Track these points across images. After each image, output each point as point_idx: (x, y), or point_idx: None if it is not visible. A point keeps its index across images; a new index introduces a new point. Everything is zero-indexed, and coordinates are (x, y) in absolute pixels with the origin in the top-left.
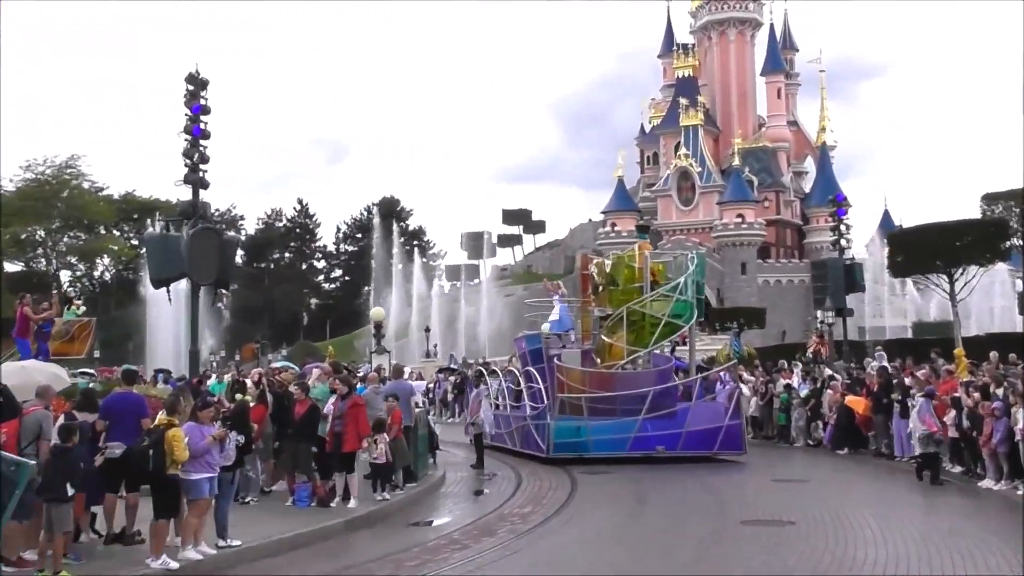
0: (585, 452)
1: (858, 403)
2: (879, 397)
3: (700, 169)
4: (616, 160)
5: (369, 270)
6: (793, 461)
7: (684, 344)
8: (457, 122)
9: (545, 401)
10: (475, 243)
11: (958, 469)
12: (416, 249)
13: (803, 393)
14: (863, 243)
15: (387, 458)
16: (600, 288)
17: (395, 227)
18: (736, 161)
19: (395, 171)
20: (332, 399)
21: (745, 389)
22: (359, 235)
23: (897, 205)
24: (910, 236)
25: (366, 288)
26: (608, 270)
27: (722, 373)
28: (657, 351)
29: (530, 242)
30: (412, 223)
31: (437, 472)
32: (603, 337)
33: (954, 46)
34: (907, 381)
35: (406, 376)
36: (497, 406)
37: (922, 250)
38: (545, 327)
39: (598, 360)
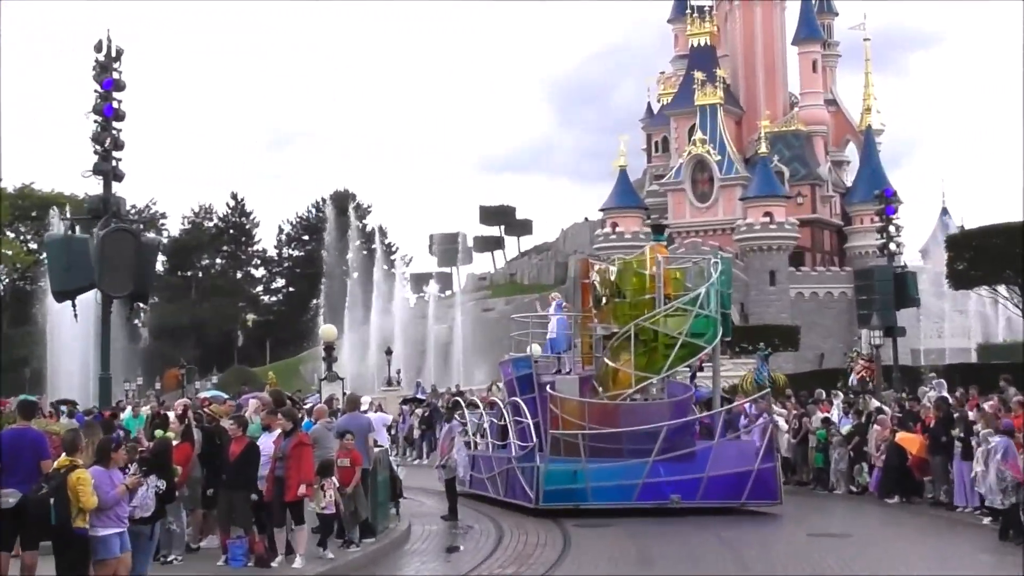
0: (582, 502)
1: (911, 441)
2: (937, 434)
3: (719, 158)
4: (617, 147)
5: (318, 279)
6: (832, 511)
7: (704, 370)
8: (426, 102)
9: (534, 439)
10: (447, 247)
11: None
12: (376, 254)
13: (845, 429)
14: (917, 248)
15: (337, 508)
16: (603, 300)
17: (350, 227)
18: (763, 148)
19: (350, 160)
20: (268, 436)
21: (782, 423)
22: (306, 237)
23: (958, 201)
24: (974, 239)
25: (314, 301)
26: (613, 278)
27: (747, 405)
28: (673, 378)
29: (513, 246)
30: (371, 222)
31: (401, 525)
32: (606, 361)
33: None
34: (971, 415)
35: (363, 408)
36: (475, 445)
37: (989, 256)
38: (536, 348)
39: (600, 389)
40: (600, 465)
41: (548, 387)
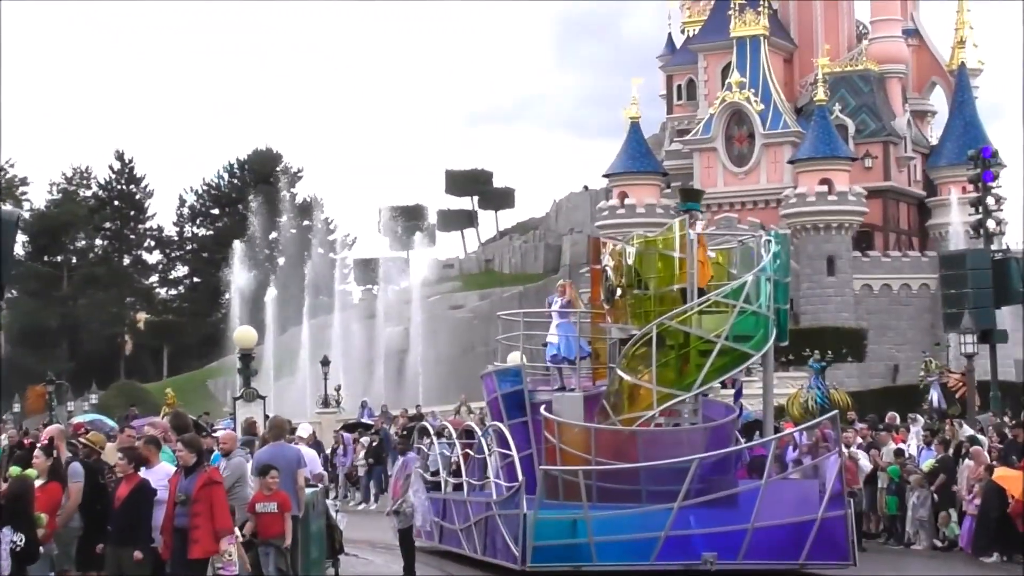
0: (584, 563)
1: (1015, 481)
2: None
3: (763, 107)
4: (628, 93)
5: (231, 266)
6: (910, 572)
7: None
8: (375, 35)
9: (519, 477)
10: (403, 224)
11: None
12: (309, 233)
13: (926, 465)
14: None
15: (242, 570)
16: (618, 292)
17: (275, 198)
18: (820, 94)
19: (274, 111)
20: (149, 473)
21: (863, 459)
22: (215, 211)
23: None
24: None
25: (227, 296)
26: (631, 262)
27: (798, 434)
28: (713, 395)
29: (490, 223)
30: (303, 192)
31: None
32: (620, 373)
33: None
34: None
35: (292, 436)
36: (446, 486)
37: None
38: (516, 357)
39: (612, 411)
40: (609, 513)
41: (543, 408)
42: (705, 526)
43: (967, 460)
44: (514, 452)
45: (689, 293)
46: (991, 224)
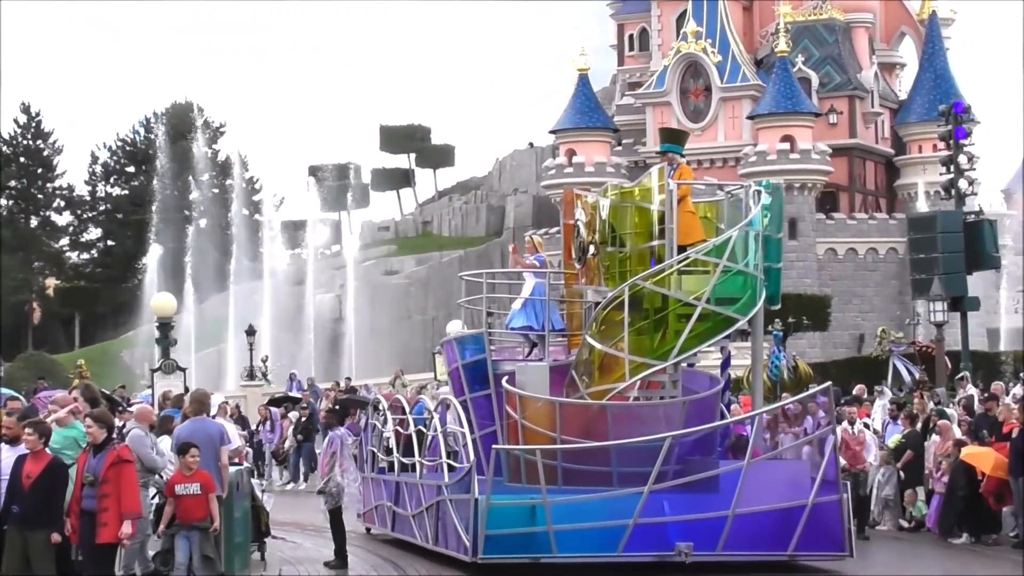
0: (544, 554)
1: (985, 458)
2: (1021, 448)
3: (720, 59)
4: (577, 44)
5: (148, 228)
6: (872, 557)
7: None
8: None
9: (470, 457)
10: (334, 183)
11: None
12: (232, 193)
13: (892, 440)
14: (998, 187)
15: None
16: (589, 250)
17: (195, 155)
18: (782, 45)
19: (194, 61)
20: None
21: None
22: (131, 168)
23: None
24: None
25: (143, 260)
26: (604, 216)
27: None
28: (693, 364)
29: (428, 182)
30: (224, 148)
31: (267, 575)
32: (590, 340)
33: None
34: None
35: (214, 412)
36: (398, 466)
37: None
38: (455, 326)
39: (583, 383)
40: (570, 498)
41: (505, 380)
42: (680, 512)
43: (935, 436)
44: (465, 429)
45: (668, 250)
46: (963, 184)
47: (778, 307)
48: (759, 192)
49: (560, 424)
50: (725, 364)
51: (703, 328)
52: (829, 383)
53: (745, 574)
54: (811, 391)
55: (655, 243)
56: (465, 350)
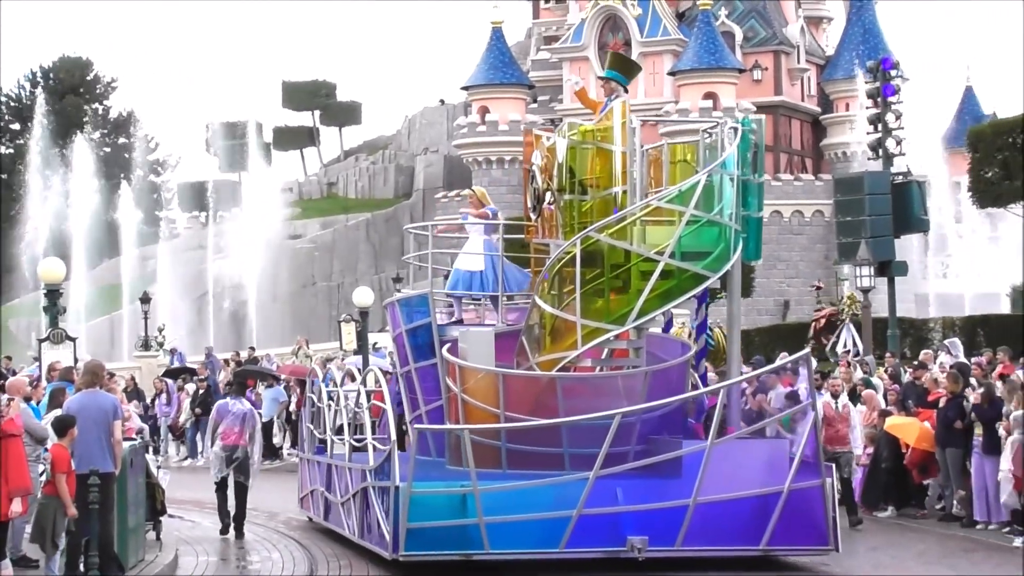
0: (476, 550)
1: (910, 429)
2: (949, 418)
3: (640, 12)
4: None
5: (33, 189)
6: (857, 549)
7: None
8: None
9: (392, 436)
10: (233, 142)
11: None
12: (126, 153)
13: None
14: (928, 149)
15: None
16: (546, 199)
17: (85, 111)
18: None
19: (83, 14)
20: None
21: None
22: (16, 126)
23: (990, 81)
24: (1010, 133)
25: (29, 224)
26: (563, 158)
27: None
28: (660, 328)
29: (334, 141)
30: (116, 105)
31: (163, 556)
32: (540, 302)
33: None
34: (999, 389)
35: (107, 382)
36: (332, 446)
37: None
38: (365, 295)
39: (531, 350)
40: (503, 486)
41: (446, 349)
42: (634, 501)
43: (860, 406)
44: (388, 404)
45: (629, 196)
46: (891, 144)
47: (759, 261)
48: (736, 129)
49: (504, 399)
50: (701, 328)
51: (667, 287)
52: (807, 350)
53: (712, 571)
54: (786, 359)
55: (616, 189)
56: (410, 314)
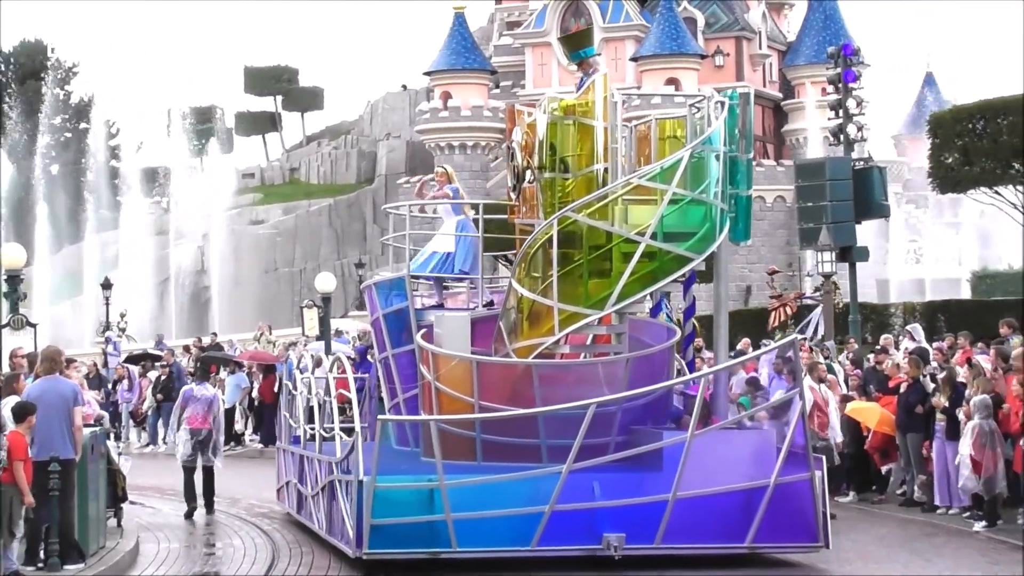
0: (443, 548)
1: (870, 414)
2: (910, 403)
3: None
4: None
5: None
6: (843, 543)
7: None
8: None
9: (358, 425)
10: (195, 128)
11: None
12: (87, 138)
13: (775, 396)
14: (889, 134)
15: None
16: (526, 177)
17: (45, 95)
18: None
19: None
20: None
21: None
22: None
23: (951, 68)
24: (971, 119)
25: None
26: (543, 134)
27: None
28: (645, 314)
29: (296, 127)
30: (78, 90)
31: (125, 543)
32: (516, 286)
33: None
34: (961, 374)
35: (67, 370)
36: (306, 437)
37: (992, 144)
38: (326, 281)
39: (508, 336)
40: (471, 480)
41: (420, 335)
42: (611, 496)
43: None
44: (352, 392)
45: (611, 173)
46: (852, 130)
47: (748, 243)
48: (722, 104)
49: (478, 387)
50: (689, 312)
51: (648, 269)
52: (795, 336)
53: (694, 570)
54: (772, 345)
55: (599, 167)
56: (388, 297)
